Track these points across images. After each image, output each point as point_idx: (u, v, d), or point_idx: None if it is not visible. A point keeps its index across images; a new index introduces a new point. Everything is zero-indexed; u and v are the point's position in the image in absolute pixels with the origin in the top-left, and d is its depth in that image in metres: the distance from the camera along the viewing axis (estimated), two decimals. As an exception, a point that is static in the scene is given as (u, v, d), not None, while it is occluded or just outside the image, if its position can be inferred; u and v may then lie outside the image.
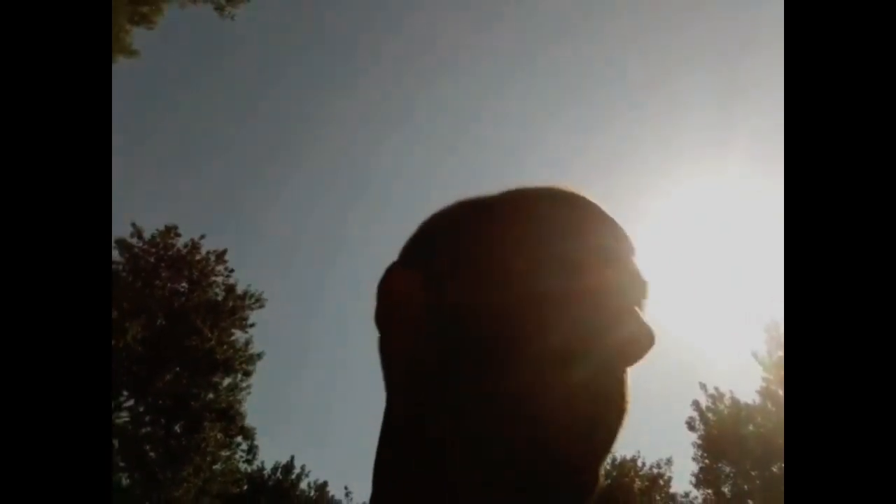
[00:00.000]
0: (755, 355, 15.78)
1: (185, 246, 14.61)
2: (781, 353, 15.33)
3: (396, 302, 0.43)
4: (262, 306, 15.02)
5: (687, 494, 17.26)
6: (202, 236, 14.86)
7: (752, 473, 15.61)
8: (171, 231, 14.55)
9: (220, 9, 8.44)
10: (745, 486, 15.72)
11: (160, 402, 13.38)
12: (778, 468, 15.24)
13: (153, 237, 14.40)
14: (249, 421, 14.84)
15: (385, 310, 0.44)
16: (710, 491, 16.38)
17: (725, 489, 16.07)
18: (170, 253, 14.38)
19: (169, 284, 14.19)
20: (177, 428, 13.55)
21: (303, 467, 18.79)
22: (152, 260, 14.15)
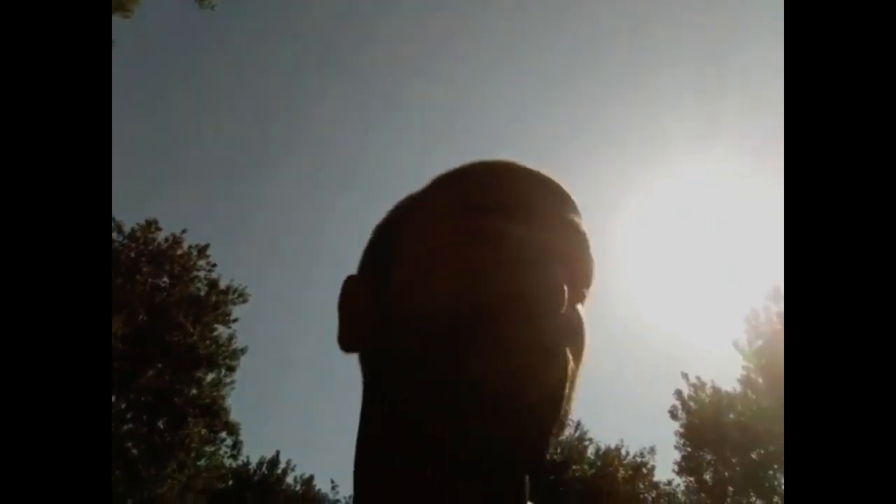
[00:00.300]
0: (735, 345, 16.04)
1: (166, 240, 14.41)
2: (761, 342, 15.60)
3: (343, 304, 0.47)
4: (245, 301, 14.89)
5: (670, 482, 17.56)
6: (183, 231, 14.67)
7: (733, 460, 15.91)
8: (151, 225, 14.34)
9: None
10: (726, 473, 16.02)
11: (142, 398, 13.23)
12: (757, 454, 15.55)
13: (133, 231, 14.18)
14: (234, 416, 14.75)
15: (339, 314, 0.47)
16: (691, 478, 16.67)
17: (707, 476, 16.36)
18: (150, 248, 14.17)
19: (150, 279, 13.99)
20: (160, 424, 13.42)
21: (288, 462, 18.75)
22: (133, 255, 13.94)
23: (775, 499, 15.32)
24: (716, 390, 16.51)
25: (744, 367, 15.96)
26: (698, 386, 16.66)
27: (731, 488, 15.94)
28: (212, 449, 14.56)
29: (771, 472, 15.51)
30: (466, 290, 0.38)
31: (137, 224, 14.28)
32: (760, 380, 15.47)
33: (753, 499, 15.71)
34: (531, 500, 0.47)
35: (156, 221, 14.41)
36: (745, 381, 15.94)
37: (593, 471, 17.02)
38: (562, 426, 0.41)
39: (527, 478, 0.44)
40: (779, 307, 15.45)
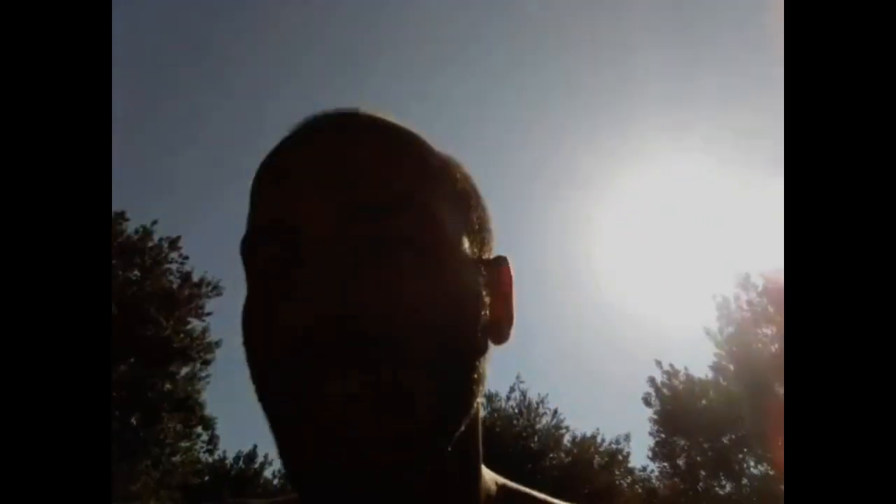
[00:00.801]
0: (707, 332, 16.41)
1: (136, 233, 14.11)
2: (732, 329, 15.98)
3: None
4: (219, 294, 14.68)
5: (645, 468, 17.95)
6: (154, 222, 14.38)
7: (705, 446, 16.33)
8: (119, 217, 14.02)
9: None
10: (698, 458, 16.44)
11: (115, 393, 12.99)
12: (728, 439, 15.97)
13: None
14: (210, 410, 14.60)
15: None
16: (665, 464, 17.07)
17: (680, 461, 16.77)
18: (119, 240, 13.87)
19: (120, 273, 13.71)
20: (133, 420, 13.21)
21: (266, 456, 18.63)
22: (101, 248, 13.62)
23: (744, 480, 15.78)
24: (688, 377, 16.89)
25: (715, 355, 16.35)
26: (671, 373, 17.02)
27: (703, 472, 16.37)
28: (187, 444, 14.41)
29: (741, 456, 15.97)
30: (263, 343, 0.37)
31: (106, 216, 13.95)
32: (731, 366, 15.86)
33: (724, 482, 16.15)
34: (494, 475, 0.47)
35: (123, 213, 14.09)
36: (717, 368, 16.34)
37: (570, 458, 17.30)
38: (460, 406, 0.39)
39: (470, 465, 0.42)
40: (749, 295, 15.85)
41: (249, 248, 0.39)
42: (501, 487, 0.46)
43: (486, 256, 0.43)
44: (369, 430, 0.34)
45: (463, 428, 0.39)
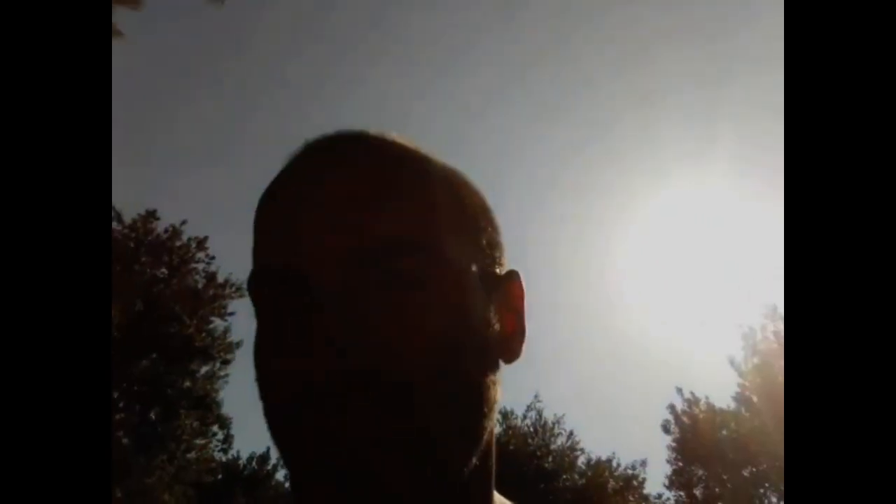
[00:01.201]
0: (731, 361, 16.03)
1: (166, 231, 14.42)
2: (757, 359, 15.58)
3: None
4: (242, 295, 14.84)
5: (660, 496, 17.51)
6: (183, 222, 14.69)
7: (724, 477, 15.87)
8: (151, 216, 14.36)
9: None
10: (717, 489, 15.98)
11: (135, 388, 13.22)
12: (749, 472, 15.51)
13: (134, 221, 14.19)
14: (226, 410, 14.74)
15: None
16: (682, 493, 16.63)
17: (697, 491, 16.32)
18: (150, 238, 14.19)
19: (148, 270, 14.00)
20: (152, 415, 13.40)
21: (279, 458, 18.66)
22: (132, 245, 13.95)
23: (765, 517, 15.29)
24: (709, 406, 16.49)
25: (739, 385, 15.95)
26: (692, 401, 16.64)
27: (720, 505, 15.90)
28: (203, 442, 14.56)
29: (762, 491, 15.47)
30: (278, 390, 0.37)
31: (137, 214, 14.30)
32: (755, 398, 15.44)
33: (743, 516, 15.66)
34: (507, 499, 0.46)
35: (155, 212, 14.43)
36: (740, 399, 15.92)
37: (584, 481, 16.98)
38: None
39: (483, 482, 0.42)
40: (776, 326, 15.45)
41: (257, 289, 0.39)
42: None
43: (497, 271, 0.43)
44: (381, 475, 0.34)
45: (476, 457, 0.39)
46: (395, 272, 0.37)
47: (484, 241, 0.43)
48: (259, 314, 0.40)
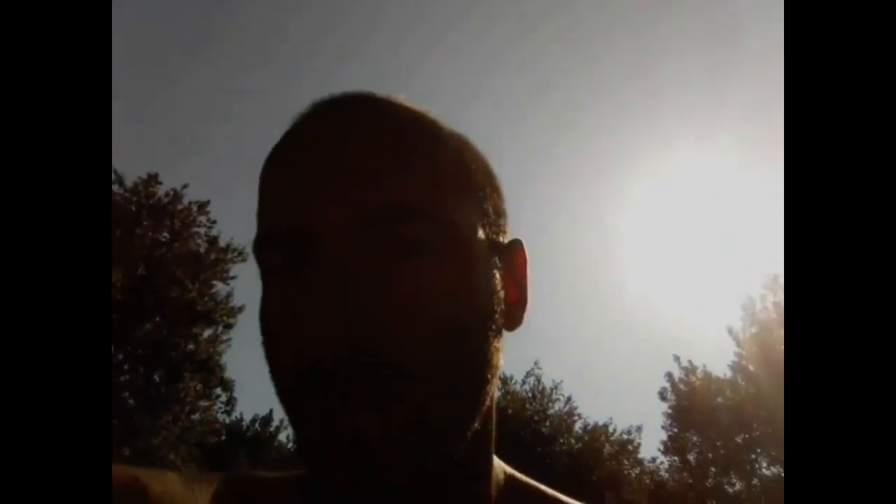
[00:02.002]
0: (730, 331, 16.17)
1: (167, 195, 14.36)
2: (755, 329, 15.71)
3: None
4: (244, 260, 14.90)
5: (654, 460, 17.91)
6: (185, 185, 14.61)
7: (717, 443, 16.20)
8: (152, 179, 14.28)
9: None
10: (710, 455, 16.34)
11: (139, 350, 13.38)
12: (741, 438, 15.82)
13: (135, 185, 14.12)
14: (229, 373, 14.95)
15: None
16: (676, 458, 17.01)
17: (691, 457, 16.69)
18: (151, 202, 14.14)
19: (150, 234, 14.01)
20: (156, 377, 13.61)
21: (282, 420, 19.05)
22: (133, 208, 13.92)
23: (755, 481, 15.66)
24: (706, 374, 16.70)
25: (736, 354, 16.12)
26: (689, 369, 16.85)
27: (713, 469, 16.27)
28: (206, 404, 14.80)
29: (753, 456, 15.82)
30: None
31: (139, 178, 14.22)
32: (752, 367, 15.63)
33: (734, 480, 16.05)
34: (505, 466, 0.47)
35: (156, 175, 14.35)
36: (737, 368, 16.12)
37: (580, 445, 17.34)
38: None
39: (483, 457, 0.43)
40: (776, 296, 15.52)
41: (262, 251, 0.39)
42: (509, 477, 0.47)
43: (501, 240, 0.43)
44: (384, 440, 0.35)
45: (479, 423, 0.40)
46: (401, 237, 0.37)
47: (489, 208, 0.42)
48: (264, 277, 0.40)
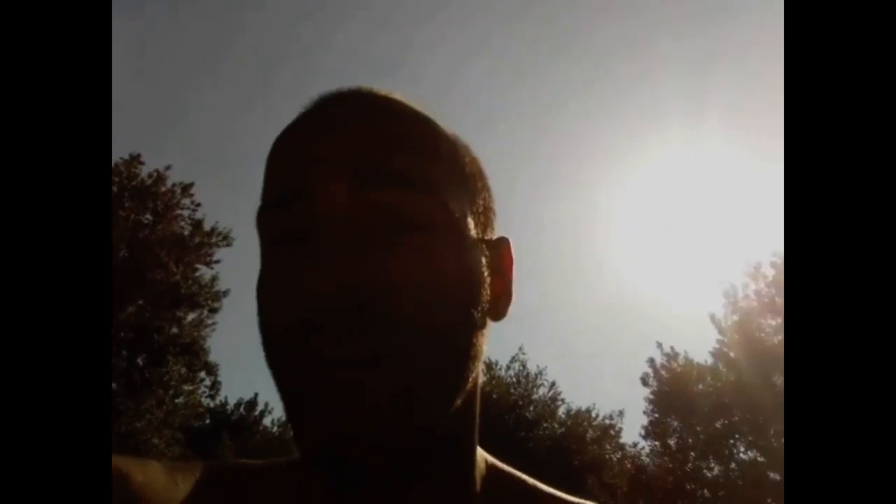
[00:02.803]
0: (712, 318, 16.40)
1: (150, 176, 14.15)
2: (736, 317, 15.96)
3: None
4: (228, 244, 14.80)
5: (636, 444, 18.23)
6: (168, 167, 14.41)
7: (697, 428, 16.52)
8: (134, 160, 14.05)
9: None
10: (690, 440, 16.66)
11: (122, 334, 13.27)
12: (721, 424, 16.14)
13: (116, 165, 13.89)
14: (213, 357, 14.90)
15: None
16: (657, 443, 17.32)
17: (671, 441, 17.01)
18: (133, 183, 13.94)
19: (133, 215, 13.82)
20: (139, 360, 13.52)
21: (266, 404, 19.10)
22: (115, 189, 13.70)
23: (732, 465, 16.02)
24: (688, 361, 16.97)
25: (717, 341, 16.38)
26: (671, 356, 17.11)
27: (692, 454, 16.61)
28: (190, 387, 14.76)
29: (732, 441, 16.17)
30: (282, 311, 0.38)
31: (120, 158, 13.98)
32: (732, 354, 15.91)
33: (713, 464, 16.41)
34: (488, 456, 0.48)
35: (139, 156, 14.12)
36: (718, 354, 16.39)
37: (563, 430, 17.60)
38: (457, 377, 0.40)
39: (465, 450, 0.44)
40: (757, 284, 15.77)
41: (264, 218, 0.40)
42: (490, 466, 0.47)
43: (488, 237, 0.45)
44: (372, 393, 0.36)
45: (459, 401, 0.40)
46: (399, 211, 0.38)
47: (480, 202, 0.44)
48: (263, 246, 0.41)
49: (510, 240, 0.46)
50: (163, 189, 14.20)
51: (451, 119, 0.45)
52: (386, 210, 0.38)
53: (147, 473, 0.41)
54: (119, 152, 14.13)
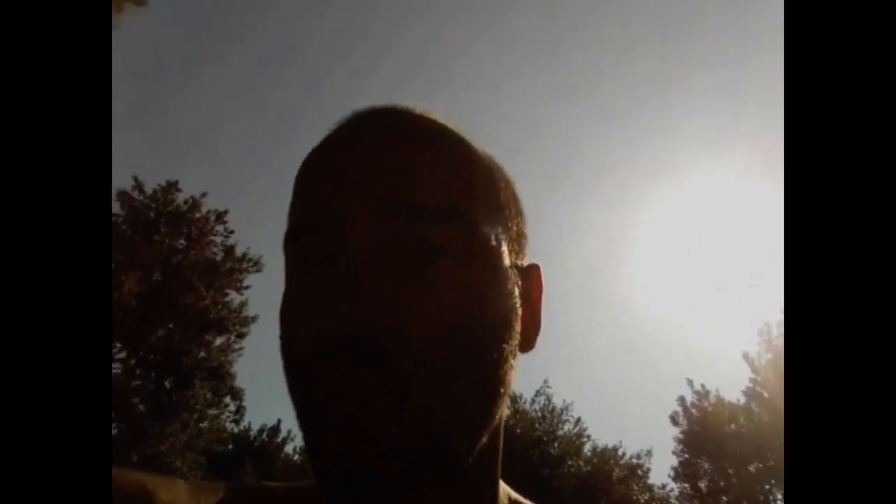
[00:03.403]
0: (745, 356, 15.90)
1: (186, 203, 14.55)
2: (771, 355, 15.44)
3: None
4: (259, 270, 15.04)
5: (664, 486, 17.55)
6: (203, 194, 14.81)
7: (730, 471, 15.85)
8: (172, 187, 14.50)
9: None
10: (722, 483, 15.98)
11: (152, 356, 13.48)
12: (755, 468, 15.46)
13: (154, 192, 14.35)
14: (239, 382, 14.99)
15: None
16: (686, 485, 16.65)
17: (702, 484, 16.33)
18: (169, 209, 14.35)
19: (167, 240, 14.19)
20: (167, 383, 13.67)
21: (289, 431, 19.04)
22: (152, 215, 14.12)
23: (769, 513, 15.27)
24: (719, 400, 16.41)
25: (751, 380, 15.83)
26: (702, 394, 16.57)
27: (725, 498, 15.90)
28: (215, 412, 14.84)
29: (767, 487, 15.44)
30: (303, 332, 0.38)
31: (158, 185, 14.44)
32: (766, 393, 15.34)
33: (747, 511, 15.66)
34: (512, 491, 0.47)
35: (176, 183, 14.57)
36: (751, 394, 15.82)
37: (588, 468, 17.06)
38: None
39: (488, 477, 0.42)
40: (792, 322, 15.23)
41: (292, 241, 0.40)
42: (514, 502, 0.46)
43: (520, 263, 0.43)
44: (394, 429, 0.35)
45: (486, 438, 0.39)
46: (430, 239, 0.37)
47: (514, 228, 0.43)
48: (289, 269, 0.40)
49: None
50: (197, 215, 14.57)
51: (483, 139, 0.44)
52: (416, 241, 0.37)
53: (172, 491, 0.42)
54: (156, 178, 14.60)
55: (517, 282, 0.42)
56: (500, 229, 0.41)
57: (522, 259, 0.44)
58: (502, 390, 0.39)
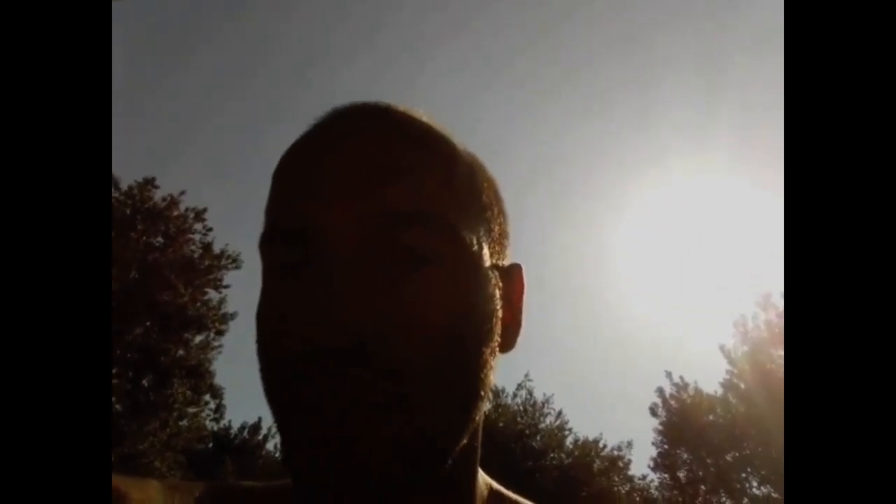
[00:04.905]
0: (722, 349, 16.18)
1: (164, 200, 14.31)
2: (747, 348, 15.72)
3: None
4: (238, 267, 14.85)
5: (644, 477, 17.83)
6: (182, 192, 14.57)
7: (708, 461, 16.15)
8: (148, 184, 14.23)
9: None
10: (700, 472, 16.28)
11: (129, 355, 13.25)
12: (732, 457, 15.77)
13: (130, 188, 14.07)
14: (219, 380, 14.82)
15: None
16: (666, 475, 16.93)
17: (681, 474, 16.62)
18: (147, 206, 14.09)
19: (144, 238, 13.93)
20: (144, 382, 13.47)
21: (269, 429, 18.88)
22: (128, 212, 13.85)
23: (745, 500, 15.60)
24: (698, 392, 16.68)
25: (728, 372, 16.13)
26: (681, 386, 16.84)
27: (703, 487, 16.21)
28: (195, 410, 14.65)
29: (744, 475, 15.77)
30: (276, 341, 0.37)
31: (135, 181, 14.17)
32: (743, 385, 15.64)
33: (724, 499, 15.98)
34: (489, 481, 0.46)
35: (153, 179, 14.31)
36: (728, 385, 16.11)
37: (570, 460, 17.24)
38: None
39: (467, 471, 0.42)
40: (768, 315, 15.56)
41: (269, 247, 0.39)
42: (494, 493, 0.46)
43: (501, 263, 0.43)
44: (371, 433, 0.34)
45: (466, 439, 0.39)
46: (409, 244, 0.36)
47: (495, 228, 0.43)
48: (266, 271, 0.40)
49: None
50: (175, 213, 14.33)
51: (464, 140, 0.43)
52: (395, 245, 0.36)
53: (146, 492, 0.41)
54: (134, 175, 14.31)
55: (498, 284, 0.41)
56: (481, 231, 0.40)
57: (504, 259, 0.44)
58: (483, 392, 0.39)
